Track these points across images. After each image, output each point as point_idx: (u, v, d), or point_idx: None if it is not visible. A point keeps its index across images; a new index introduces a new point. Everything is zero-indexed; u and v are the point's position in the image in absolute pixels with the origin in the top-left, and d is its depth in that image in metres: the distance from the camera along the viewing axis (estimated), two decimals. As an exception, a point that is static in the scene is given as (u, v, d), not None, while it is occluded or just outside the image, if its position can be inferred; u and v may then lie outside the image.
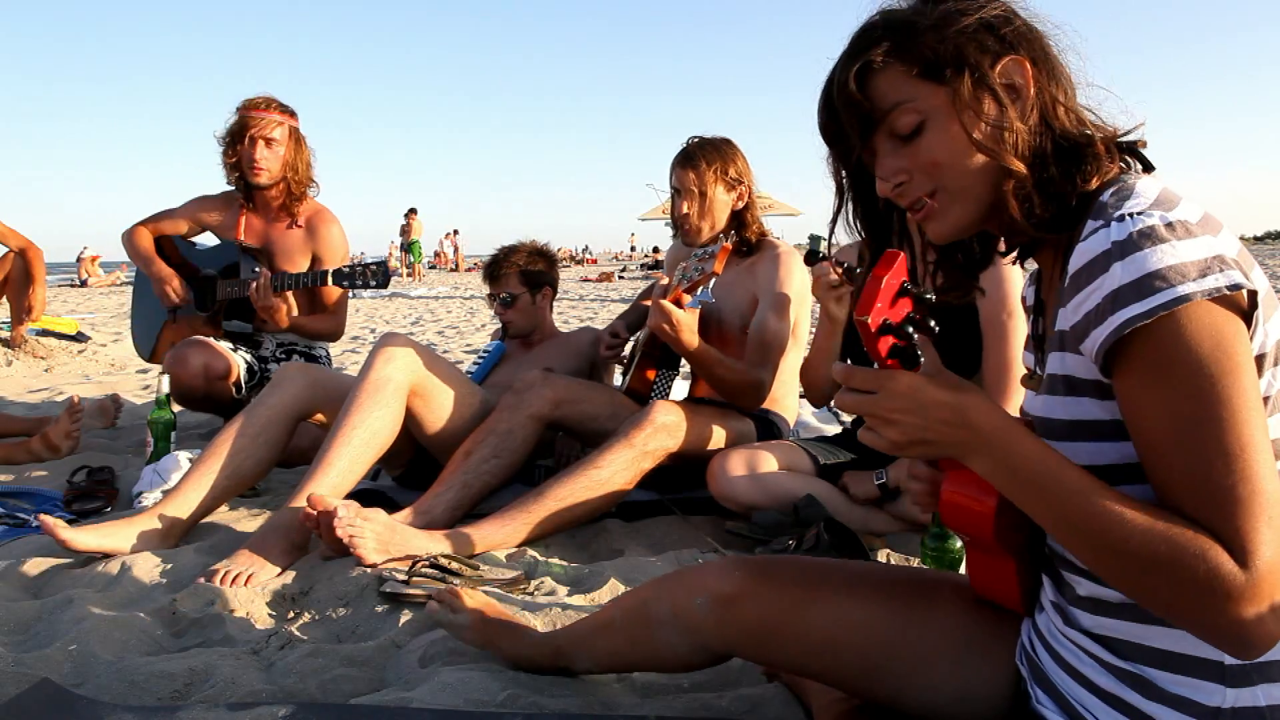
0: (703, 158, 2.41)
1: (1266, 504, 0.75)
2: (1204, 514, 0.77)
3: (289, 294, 2.77)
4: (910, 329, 0.85)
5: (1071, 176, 0.91)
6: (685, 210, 2.44)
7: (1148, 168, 0.93)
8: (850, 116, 0.95)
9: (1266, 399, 0.82)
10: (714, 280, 2.04)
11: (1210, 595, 0.75)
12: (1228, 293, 0.78)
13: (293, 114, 3.06)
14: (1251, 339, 0.80)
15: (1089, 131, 0.92)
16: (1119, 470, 0.85)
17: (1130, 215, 0.82)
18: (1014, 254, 1.03)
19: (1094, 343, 0.82)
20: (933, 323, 0.88)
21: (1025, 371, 1.05)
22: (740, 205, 2.47)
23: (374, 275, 2.70)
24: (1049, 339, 0.93)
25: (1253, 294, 0.79)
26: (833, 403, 0.91)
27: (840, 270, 1.98)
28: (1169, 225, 0.80)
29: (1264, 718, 0.82)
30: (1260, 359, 0.81)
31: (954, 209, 0.95)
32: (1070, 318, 0.86)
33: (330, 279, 2.73)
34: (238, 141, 2.96)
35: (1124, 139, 0.94)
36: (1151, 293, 0.78)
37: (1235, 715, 0.83)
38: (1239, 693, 0.83)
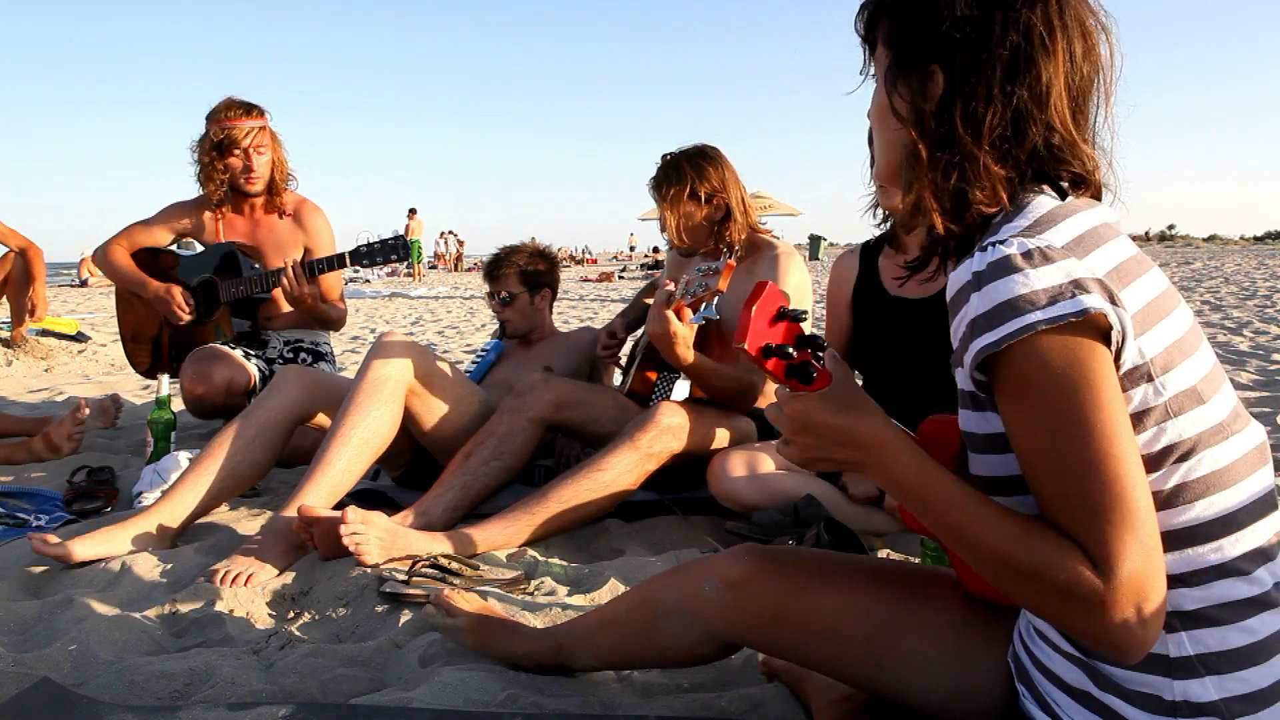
0: (667, 180, 2.44)
1: (1129, 514, 0.77)
2: (1070, 525, 0.80)
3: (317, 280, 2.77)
4: (791, 349, 0.91)
5: (960, 192, 0.92)
6: (667, 227, 2.49)
7: (1062, 195, 0.93)
8: (862, 44, 1.04)
9: (1149, 411, 0.83)
10: (718, 298, 2.04)
11: (1071, 603, 0.78)
12: (1074, 320, 0.80)
13: (265, 112, 3.05)
14: (1121, 355, 0.82)
15: (987, 168, 0.91)
16: None
17: (992, 245, 0.85)
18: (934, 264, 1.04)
19: (965, 369, 0.87)
20: (821, 338, 0.93)
21: None
22: (719, 216, 2.46)
23: (393, 249, 2.69)
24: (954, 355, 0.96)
25: (1108, 315, 0.80)
26: (765, 413, 0.97)
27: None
28: (1026, 254, 0.83)
29: (1220, 710, 0.83)
30: (1135, 372, 0.83)
31: (875, 161, 1.05)
32: (954, 341, 0.89)
33: (349, 259, 2.71)
34: (227, 155, 2.93)
35: (1051, 170, 0.93)
36: (1000, 323, 0.81)
37: (1190, 709, 0.84)
38: (1186, 685, 0.84)
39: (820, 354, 0.93)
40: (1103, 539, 0.77)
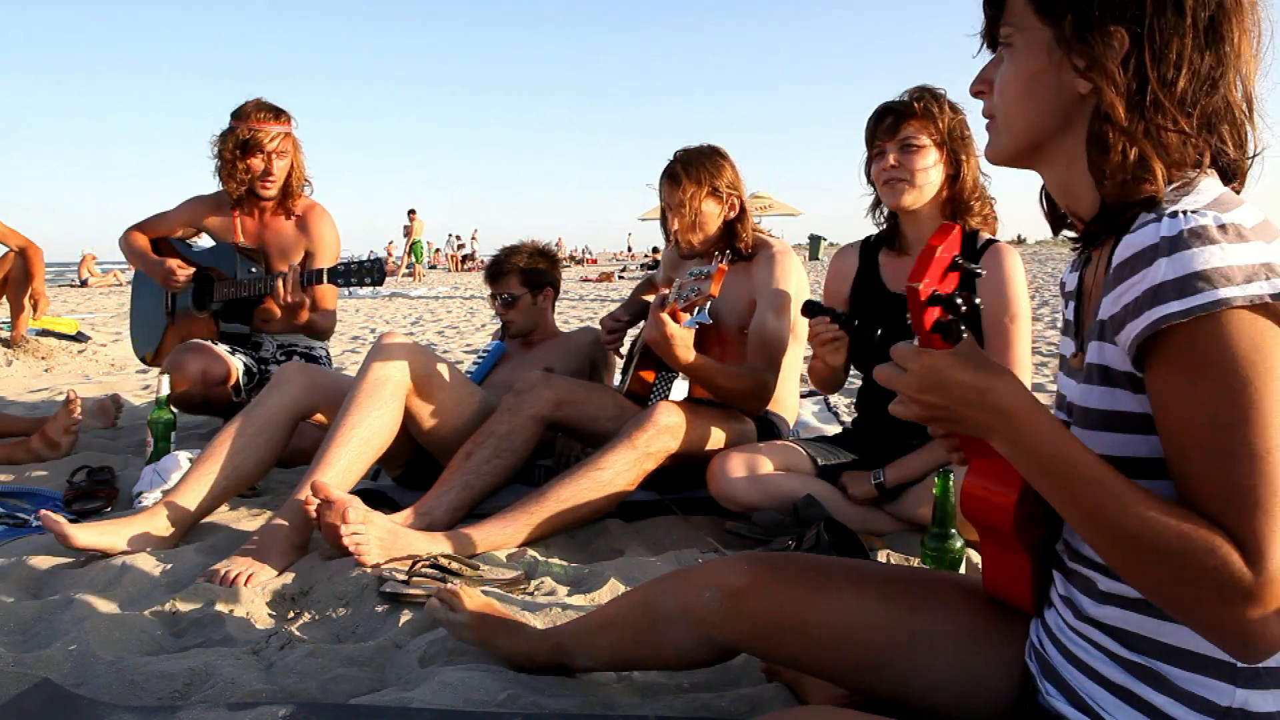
0: (686, 175, 2.40)
1: None
2: (1221, 513, 0.77)
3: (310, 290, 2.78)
4: (960, 302, 0.85)
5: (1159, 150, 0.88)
6: (675, 226, 2.45)
7: (1226, 180, 0.90)
8: (984, 8, 0.99)
9: None
10: (710, 303, 2.03)
11: (1217, 593, 0.75)
12: (1270, 301, 0.77)
13: (291, 118, 3.09)
14: None
15: (1184, 131, 0.88)
16: (1148, 464, 0.85)
17: (1184, 213, 0.81)
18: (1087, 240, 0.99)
19: (1129, 335, 0.82)
20: (978, 299, 0.87)
21: (1058, 358, 1.05)
22: (732, 215, 2.46)
23: (368, 272, 2.71)
24: (1089, 327, 0.92)
25: None
26: (874, 375, 0.93)
27: (834, 324, 1.95)
28: (1221, 227, 0.79)
29: None
30: None
31: (1000, 138, 0.99)
32: (1110, 308, 0.86)
33: (325, 277, 2.73)
34: (249, 155, 2.97)
35: (1223, 159, 0.90)
36: (1193, 292, 0.77)
37: (1245, 716, 0.83)
38: (1249, 694, 0.82)
39: (976, 311, 0.89)
40: (1259, 530, 0.75)
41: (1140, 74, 0.87)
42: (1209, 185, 0.87)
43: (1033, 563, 0.99)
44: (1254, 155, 0.91)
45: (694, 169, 2.41)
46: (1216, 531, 0.76)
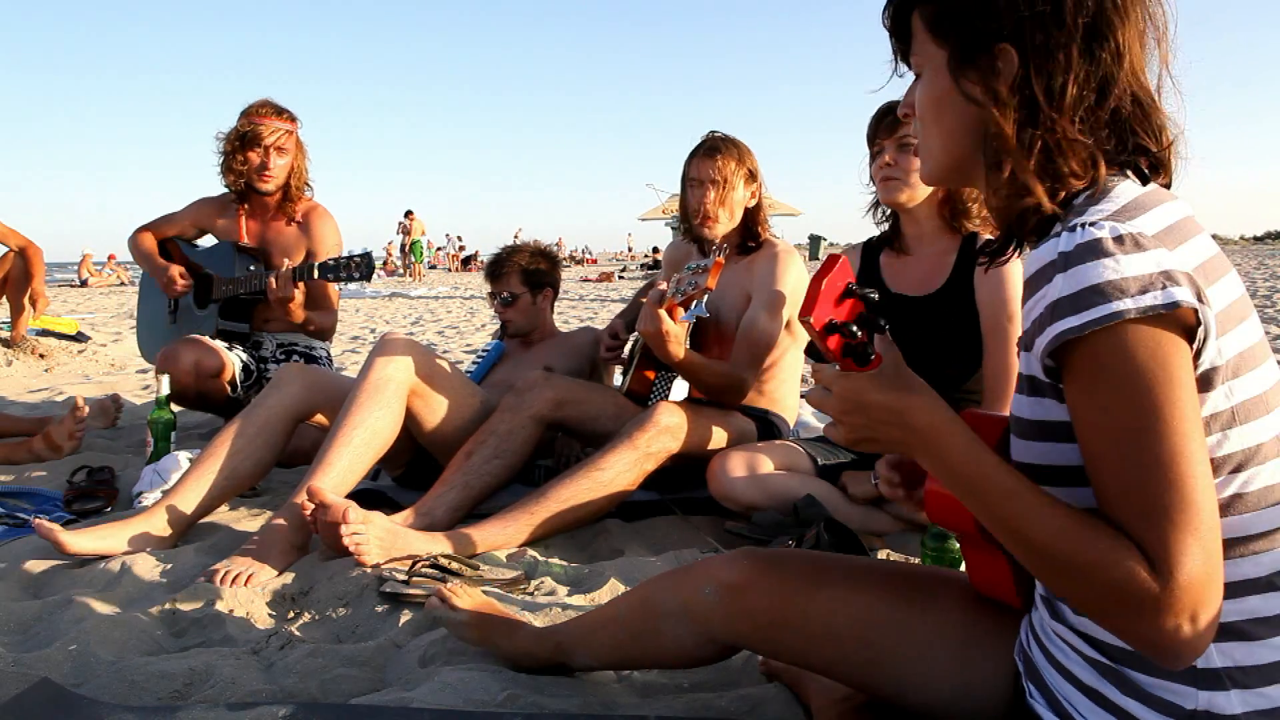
0: (726, 149, 2.43)
1: (1194, 516, 0.75)
2: (1131, 523, 0.77)
3: (301, 285, 2.79)
4: (855, 328, 0.89)
5: (1051, 167, 0.89)
6: (706, 200, 2.42)
7: (1144, 181, 0.91)
8: (890, 40, 1.01)
9: (1217, 415, 0.82)
10: (708, 296, 2.04)
11: (1123, 604, 0.76)
12: (1164, 311, 0.77)
13: (295, 119, 3.13)
14: (1200, 354, 0.80)
15: (1074, 140, 0.88)
16: (1081, 472, 0.85)
17: (1082, 226, 0.82)
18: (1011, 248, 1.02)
19: (1038, 349, 0.84)
20: (882, 321, 0.90)
21: None
22: (753, 202, 2.49)
23: (358, 267, 2.73)
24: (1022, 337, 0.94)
25: (1197, 311, 0.78)
26: (805, 398, 0.96)
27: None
28: (1118, 239, 0.80)
29: None
30: (1211, 373, 0.81)
31: (925, 159, 1.01)
32: (1025, 322, 0.87)
33: (316, 272, 2.75)
34: (248, 149, 3.00)
35: (1129, 156, 0.91)
36: (1087, 307, 0.78)
37: (1210, 718, 0.83)
38: (1212, 696, 0.83)
39: (879, 331, 0.90)
40: (1164, 540, 0.75)
41: (1029, 88, 0.89)
42: (1123, 190, 0.87)
43: (1009, 558, 0.99)
44: (1166, 146, 0.92)
45: (730, 145, 2.45)
46: (1124, 543, 0.77)
